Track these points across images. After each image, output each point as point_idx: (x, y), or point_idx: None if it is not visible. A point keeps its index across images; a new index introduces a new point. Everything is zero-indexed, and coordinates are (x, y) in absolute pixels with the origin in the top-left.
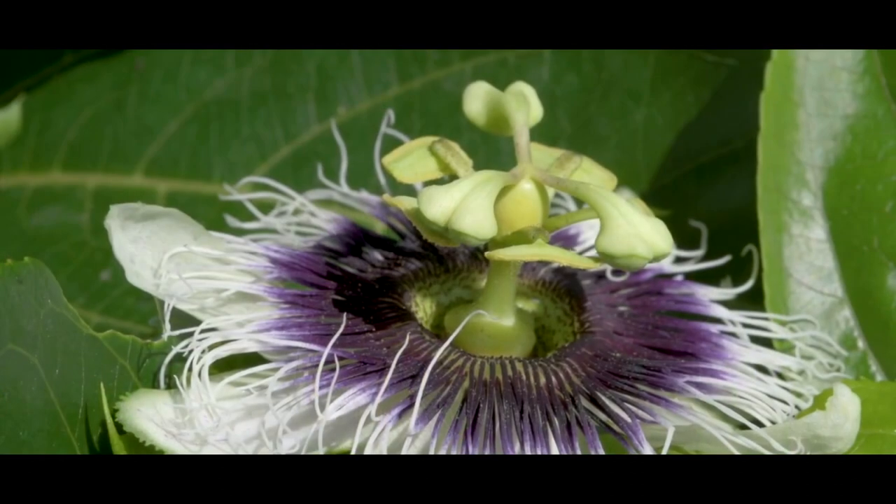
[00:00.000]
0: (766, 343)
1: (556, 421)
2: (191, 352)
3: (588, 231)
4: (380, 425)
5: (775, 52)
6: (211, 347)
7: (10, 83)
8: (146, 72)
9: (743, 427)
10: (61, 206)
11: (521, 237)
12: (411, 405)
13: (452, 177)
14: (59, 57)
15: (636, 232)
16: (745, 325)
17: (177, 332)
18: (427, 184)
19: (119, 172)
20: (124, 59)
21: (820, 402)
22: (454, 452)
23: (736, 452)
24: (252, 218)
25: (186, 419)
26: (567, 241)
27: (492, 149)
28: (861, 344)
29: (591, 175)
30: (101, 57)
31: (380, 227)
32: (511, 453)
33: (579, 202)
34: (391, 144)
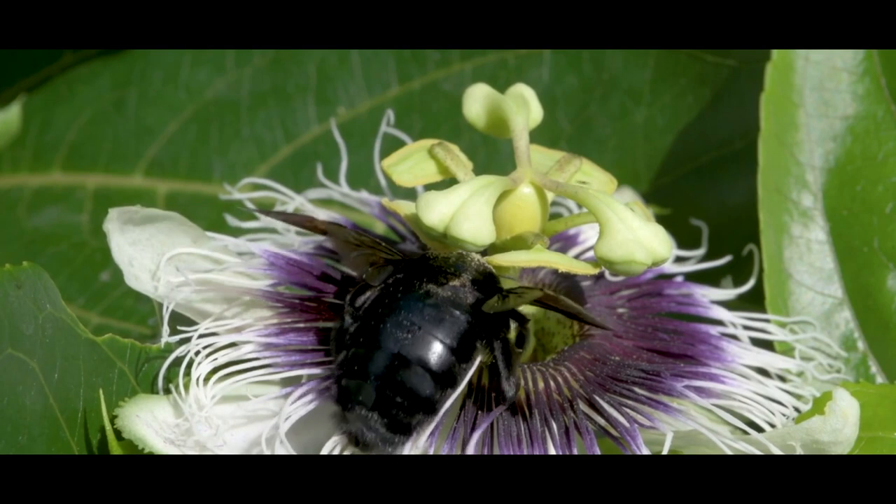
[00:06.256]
0: (767, 344)
1: (554, 426)
2: (189, 357)
3: (588, 231)
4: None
5: (775, 53)
6: (209, 353)
7: (11, 83)
8: (146, 71)
9: (742, 431)
10: (61, 207)
11: (519, 242)
12: None
13: (452, 180)
14: (59, 57)
15: (635, 237)
16: (745, 327)
17: (175, 338)
18: (427, 187)
19: (119, 173)
20: (124, 59)
21: (819, 405)
22: None
23: None
24: (252, 218)
25: (185, 425)
26: (567, 242)
27: (492, 150)
28: (861, 345)
29: (591, 178)
30: (101, 57)
31: (380, 228)
32: None
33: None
34: (391, 145)
